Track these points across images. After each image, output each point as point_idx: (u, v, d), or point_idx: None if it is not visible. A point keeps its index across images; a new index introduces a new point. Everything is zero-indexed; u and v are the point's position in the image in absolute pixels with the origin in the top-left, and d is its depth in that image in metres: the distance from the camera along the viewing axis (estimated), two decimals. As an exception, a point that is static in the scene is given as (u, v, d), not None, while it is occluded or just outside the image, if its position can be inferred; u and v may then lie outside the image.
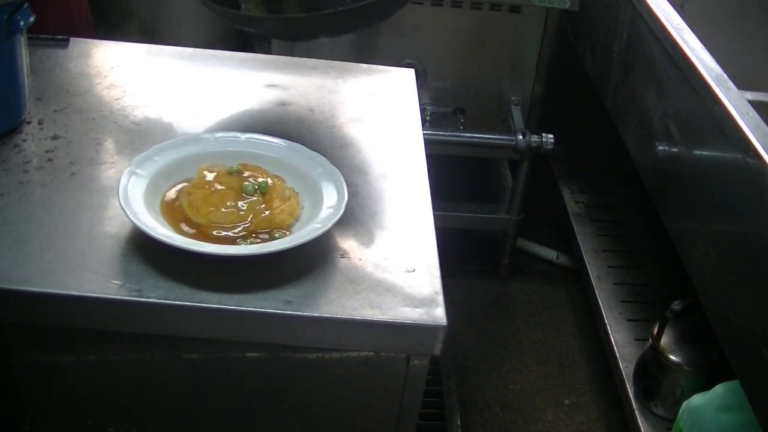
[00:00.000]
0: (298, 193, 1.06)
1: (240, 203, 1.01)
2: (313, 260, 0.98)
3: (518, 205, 2.28)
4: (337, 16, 1.26)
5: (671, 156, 1.59)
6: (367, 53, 2.12)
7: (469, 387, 2.05)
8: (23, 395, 1.02)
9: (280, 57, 1.49)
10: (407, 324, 0.93)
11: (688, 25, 1.62)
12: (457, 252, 2.39)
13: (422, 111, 1.97)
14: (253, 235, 0.99)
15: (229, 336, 0.95)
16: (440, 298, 0.96)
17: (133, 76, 1.32)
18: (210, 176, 1.04)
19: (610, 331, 1.95)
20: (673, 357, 1.71)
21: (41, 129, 1.16)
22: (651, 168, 1.70)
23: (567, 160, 2.61)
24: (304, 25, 1.25)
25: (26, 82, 1.17)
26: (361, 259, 1.00)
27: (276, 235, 1.00)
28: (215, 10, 1.25)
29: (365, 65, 1.44)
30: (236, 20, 1.34)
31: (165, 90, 1.30)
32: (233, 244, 0.98)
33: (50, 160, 1.11)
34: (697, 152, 1.49)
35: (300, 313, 0.92)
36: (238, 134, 1.14)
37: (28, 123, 1.17)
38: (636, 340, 1.92)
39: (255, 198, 1.02)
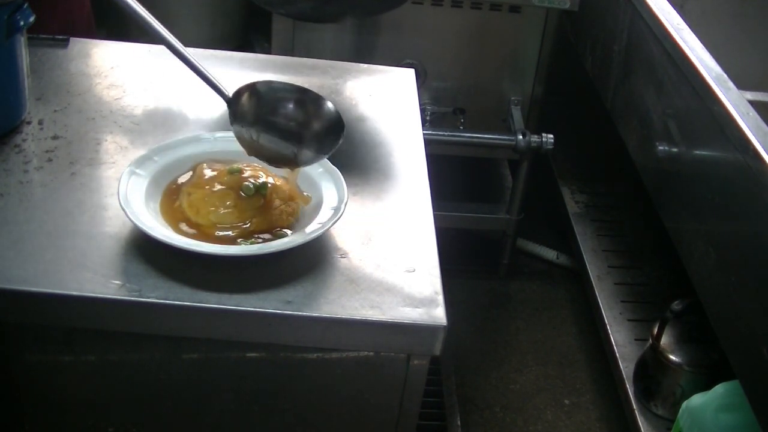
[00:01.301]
0: (308, 194, 1.05)
1: (240, 203, 1.01)
2: (313, 260, 0.98)
3: (518, 205, 2.28)
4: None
5: (671, 156, 1.59)
6: (367, 53, 2.12)
7: (469, 387, 2.05)
8: (23, 395, 1.02)
9: (280, 57, 1.49)
10: (407, 324, 0.93)
11: (688, 25, 1.63)
12: (457, 252, 2.39)
13: (422, 111, 1.97)
14: (254, 235, 0.99)
15: (229, 336, 0.95)
16: (440, 298, 0.96)
17: (133, 76, 1.31)
18: (210, 176, 1.04)
19: (610, 331, 1.95)
20: (673, 357, 1.71)
21: (41, 129, 1.16)
22: (651, 168, 1.70)
23: (567, 160, 2.61)
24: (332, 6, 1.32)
25: (26, 82, 1.17)
26: (361, 259, 1.00)
27: (276, 234, 1.00)
28: None
29: (365, 65, 1.44)
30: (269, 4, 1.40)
31: (165, 90, 1.30)
32: (233, 244, 0.98)
33: (50, 160, 1.11)
34: (697, 152, 1.49)
35: (300, 313, 0.92)
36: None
37: (28, 123, 1.17)
38: (636, 340, 1.92)
39: (255, 198, 1.02)
